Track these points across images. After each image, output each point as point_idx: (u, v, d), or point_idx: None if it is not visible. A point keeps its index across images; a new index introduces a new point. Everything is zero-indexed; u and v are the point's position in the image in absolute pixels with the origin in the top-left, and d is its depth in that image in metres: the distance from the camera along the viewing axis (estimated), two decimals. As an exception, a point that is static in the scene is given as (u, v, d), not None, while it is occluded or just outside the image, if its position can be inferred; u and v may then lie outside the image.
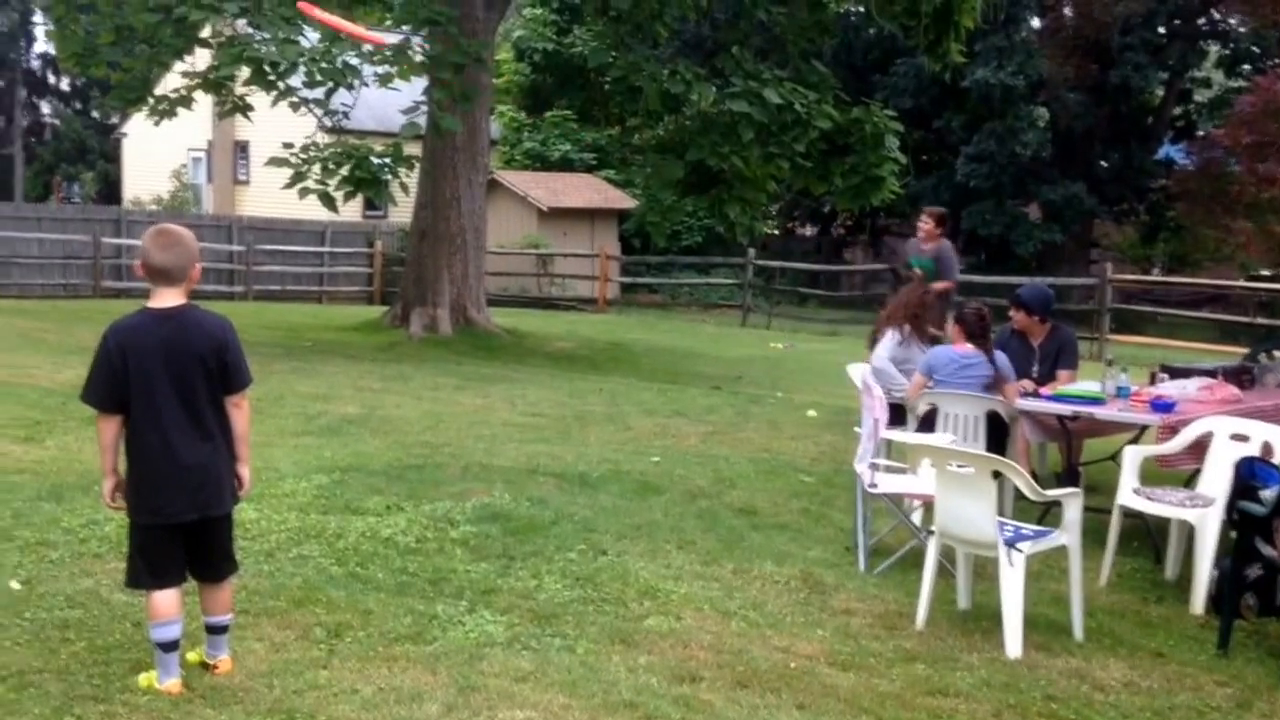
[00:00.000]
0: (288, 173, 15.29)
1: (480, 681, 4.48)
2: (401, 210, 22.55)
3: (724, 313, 26.49)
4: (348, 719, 4.13)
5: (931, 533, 5.62)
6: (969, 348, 7.24)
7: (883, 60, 32.19)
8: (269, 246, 26.96)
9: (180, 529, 4.27)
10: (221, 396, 4.33)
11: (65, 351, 13.29)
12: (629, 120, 28.80)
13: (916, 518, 6.61)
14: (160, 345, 4.18)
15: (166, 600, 4.26)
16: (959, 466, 5.51)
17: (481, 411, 10.73)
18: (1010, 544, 5.27)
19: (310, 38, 14.66)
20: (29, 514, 6.45)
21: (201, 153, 35.10)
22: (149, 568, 4.26)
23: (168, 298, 4.24)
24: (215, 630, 4.44)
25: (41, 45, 52.45)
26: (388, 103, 18.69)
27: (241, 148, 33.97)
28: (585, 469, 8.14)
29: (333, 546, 6.09)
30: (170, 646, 4.26)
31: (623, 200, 30.06)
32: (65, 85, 52.87)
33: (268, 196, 30.41)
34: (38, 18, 50.11)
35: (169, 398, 4.19)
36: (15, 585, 5.30)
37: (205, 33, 15.89)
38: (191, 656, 4.46)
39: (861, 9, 18.92)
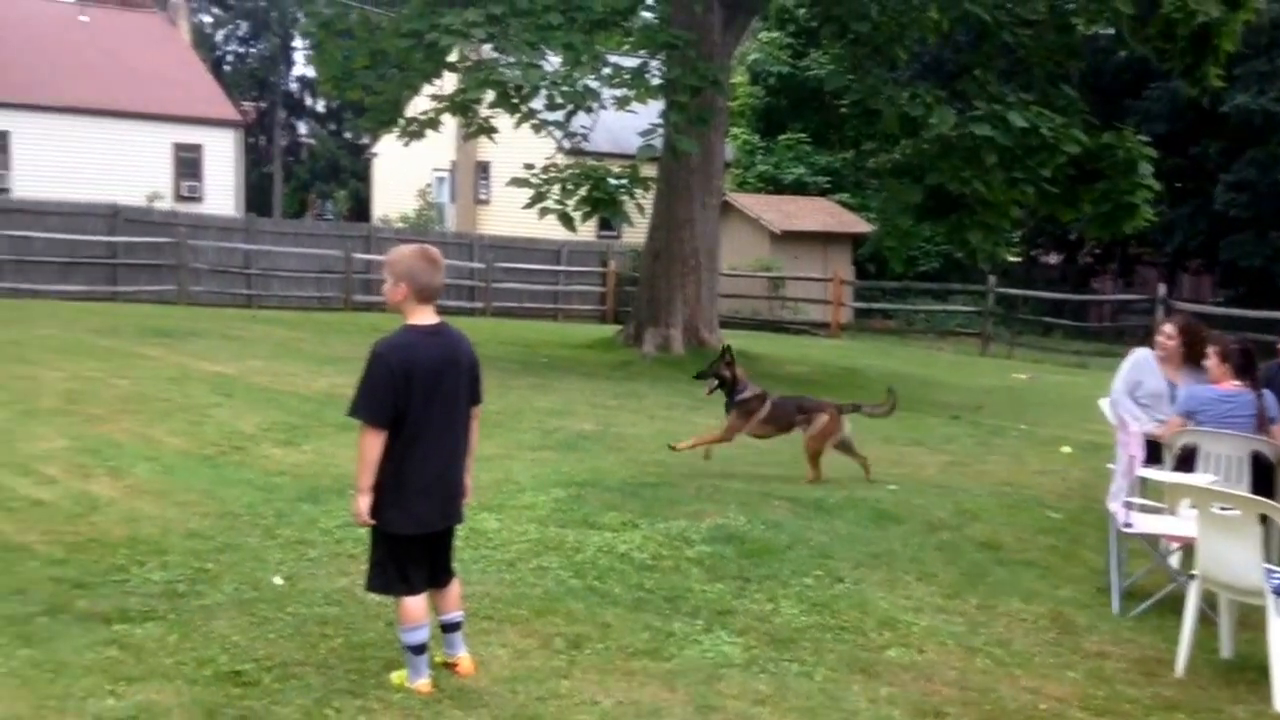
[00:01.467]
0: (528, 192, 15.75)
1: (718, 702, 4.46)
2: (634, 231, 22.91)
3: (961, 340, 25.79)
4: (588, 729, 4.18)
5: (1192, 577, 5.29)
6: (1233, 385, 6.79)
7: (1134, 84, 30.74)
8: (507, 264, 27.84)
9: (428, 537, 4.41)
10: (470, 409, 4.47)
11: (320, 361, 14.03)
12: (864, 143, 28.42)
13: (1174, 560, 6.24)
14: (435, 362, 4.34)
15: (417, 605, 4.41)
16: (1223, 509, 5.19)
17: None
18: (1278, 592, 4.91)
19: (553, 61, 15.09)
20: (289, 514, 6.81)
21: (445, 172, 36.60)
22: (401, 575, 4.40)
23: (430, 315, 4.40)
24: (451, 627, 4.58)
25: (300, 69, 55.96)
26: (625, 125, 19.05)
27: (483, 168, 35.25)
28: (820, 494, 8.03)
29: (571, 559, 6.19)
30: (420, 649, 4.41)
31: (857, 224, 29.70)
32: (321, 107, 56.18)
33: (507, 215, 31.44)
34: (297, 43, 53.44)
35: (438, 412, 4.34)
36: (278, 581, 5.59)
37: (453, 57, 16.53)
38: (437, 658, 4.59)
39: (1112, 31, 18.09)
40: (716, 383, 8.61)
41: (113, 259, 23.94)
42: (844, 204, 31.12)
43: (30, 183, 30.64)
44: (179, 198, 34.65)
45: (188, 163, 36.06)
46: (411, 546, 4.40)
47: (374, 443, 4.28)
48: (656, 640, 5.07)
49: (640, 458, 9.12)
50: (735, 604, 5.63)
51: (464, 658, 4.60)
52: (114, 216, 24.14)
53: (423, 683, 4.40)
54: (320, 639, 4.90)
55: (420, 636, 4.40)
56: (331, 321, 21.06)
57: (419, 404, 4.28)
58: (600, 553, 6.33)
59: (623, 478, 8.25)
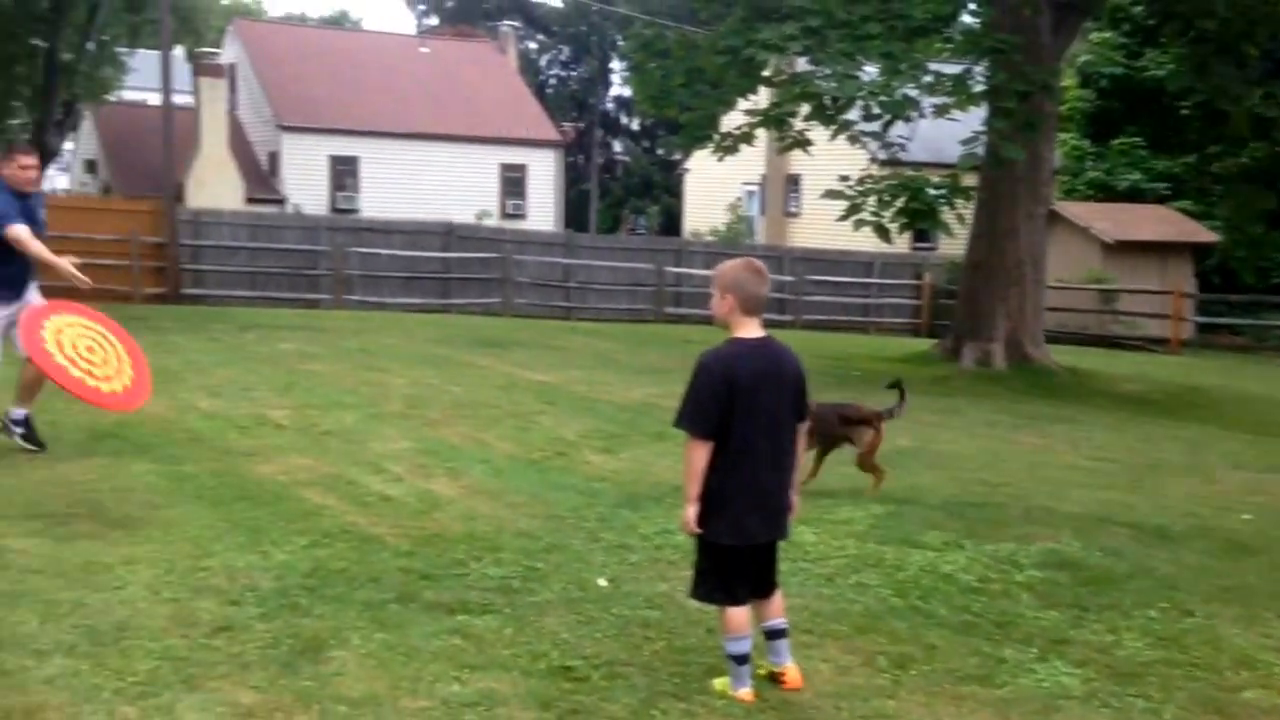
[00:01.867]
0: (841, 205, 15.62)
1: (1056, 735, 4.25)
2: (951, 243, 22.31)
3: (1326, 360, 23.68)
4: (919, 752, 4.06)
5: None
6: None
7: None
8: (817, 277, 27.73)
9: (752, 550, 4.42)
10: (795, 424, 4.45)
11: (635, 371, 14.42)
12: (1209, 147, 26.57)
13: None
14: (759, 375, 4.34)
15: (739, 616, 4.41)
16: None
17: (1041, 452, 10.30)
18: None
19: (869, 71, 14.91)
20: (610, 519, 7.00)
21: (755, 186, 36.88)
22: (723, 586, 4.41)
23: (755, 328, 4.41)
24: (776, 634, 4.53)
25: (617, 89, 57.86)
26: (942, 134, 18.57)
27: (793, 181, 35.30)
28: (1164, 521, 7.52)
29: (892, 577, 6.06)
30: (743, 659, 4.41)
31: (1199, 233, 27.77)
32: (636, 126, 57.88)
33: (817, 228, 31.35)
34: (615, 64, 55.28)
35: (762, 425, 4.33)
36: (602, 583, 5.75)
37: (768, 71, 16.63)
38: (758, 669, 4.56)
39: None
40: None
41: (446, 273, 25.50)
42: (1185, 211, 29.14)
43: (376, 203, 33.15)
44: (505, 215, 36.58)
45: (513, 182, 38.01)
46: (734, 558, 4.41)
47: (699, 454, 4.30)
48: (986, 666, 4.88)
49: (962, 476, 8.83)
50: (1072, 634, 5.33)
51: (790, 668, 4.56)
52: (448, 234, 25.74)
53: (745, 691, 4.41)
54: (643, 641, 4.99)
55: (742, 647, 4.41)
56: (644, 333, 21.61)
57: (743, 416, 4.29)
58: (922, 572, 6.16)
59: (944, 496, 8.01)
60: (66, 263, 7.75)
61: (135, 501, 6.68)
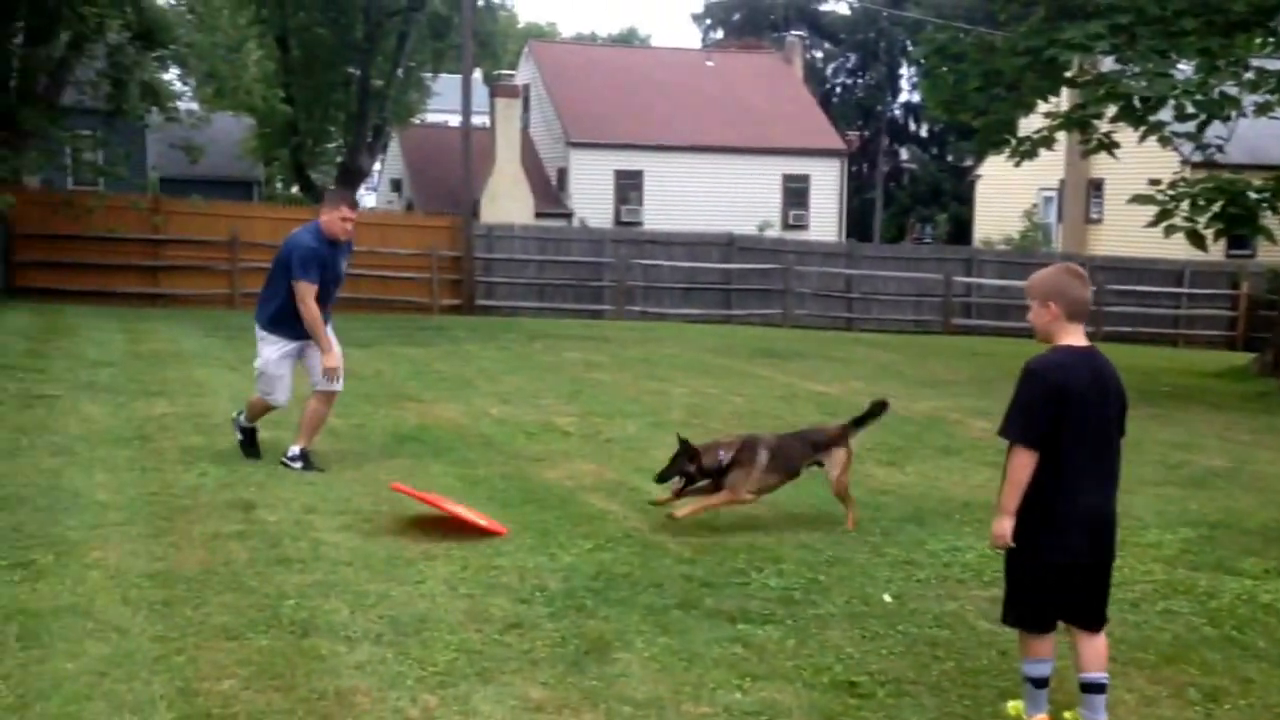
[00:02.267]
0: (1148, 210, 14.74)
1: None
2: (1271, 249, 20.65)
3: None
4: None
5: None
6: None
7: None
8: (1121, 286, 26.25)
9: (1072, 572, 4.14)
10: (1119, 438, 4.20)
11: (920, 384, 14.05)
12: None
13: None
14: (1088, 386, 4.12)
15: (1043, 640, 4.19)
16: None
17: (1376, 474, 9.37)
18: None
19: (1182, 69, 14.02)
20: (895, 533, 6.84)
21: (1053, 192, 35.34)
22: (1033, 610, 4.18)
23: (1080, 336, 4.20)
24: (1093, 688, 4.15)
25: (905, 95, 56.82)
26: (1263, 134, 17.28)
27: (1095, 186, 33.64)
28: None
29: (1204, 605, 5.65)
30: (1041, 683, 4.19)
31: None
32: (924, 132, 56.64)
33: (1120, 235, 29.69)
34: (904, 70, 54.31)
35: (1091, 438, 4.11)
36: (888, 598, 5.62)
37: (1070, 72, 15.91)
38: (1068, 716, 4.25)
39: None
40: (683, 481, 6.82)
41: (727, 284, 25.69)
42: None
43: (658, 216, 33.80)
44: (786, 226, 36.53)
45: (795, 192, 37.92)
46: (1055, 578, 4.13)
47: (1024, 463, 4.08)
48: (1319, 704, 4.47)
49: (1284, 500, 8.15)
50: None
51: None
52: (729, 245, 25.92)
53: (1041, 717, 4.19)
54: (932, 660, 4.85)
55: (1041, 670, 4.19)
56: (930, 345, 21.07)
57: (1072, 428, 4.06)
58: (1239, 601, 5.71)
59: (1263, 520, 7.41)
60: (331, 348, 7.63)
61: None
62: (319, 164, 39.20)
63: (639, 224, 34.24)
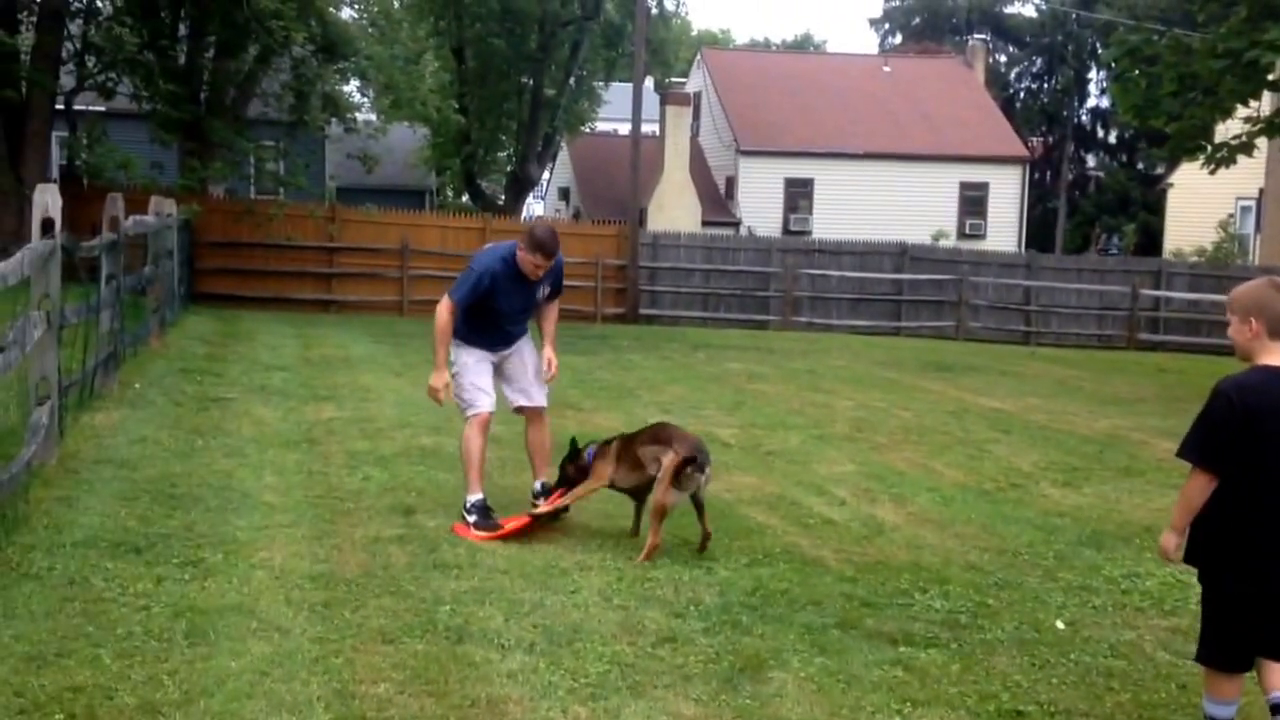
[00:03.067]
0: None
1: None
2: None
3: None
4: None
5: None
6: None
7: None
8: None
9: (1261, 603, 3.88)
10: None
11: (1102, 401, 13.49)
12: None
13: None
14: None
15: (1230, 680, 3.94)
16: None
17: None
18: None
19: None
20: (1070, 557, 6.56)
21: (1251, 201, 33.58)
22: (1220, 645, 3.95)
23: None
24: None
25: (1093, 100, 54.86)
26: None
27: (1295, 195, 31.82)
28: None
29: None
30: None
31: None
32: (1112, 139, 54.56)
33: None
34: (1092, 74, 52.43)
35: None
36: (1060, 625, 5.38)
37: (1273, 75, 15.08)
38: None
39: None
40: (563, 485, 6.63)
41: (898, 295, 25.21)
42: None
43: (828, 224, 33.41)
44: (962, 235, 35.66)
45: (972, 200, 37.02)
46: (1245, 610, 3.89)
47: (1200, 486, 3.88)
48: None
49: None
50: None
51: None
52: (901, 255, 25.43)
53: None
54: (1105, 691, 4.62)
55: (1224, 713, 3.92)
56: (1113, 361, 20.27)
57: (1267, 454, 3.81)
58: None
59: None
60: (441, 382, 6.68)
61: (590, 511, 7.01)
62: (489, 173, 40.08)
63: (808, 233, 33.91)
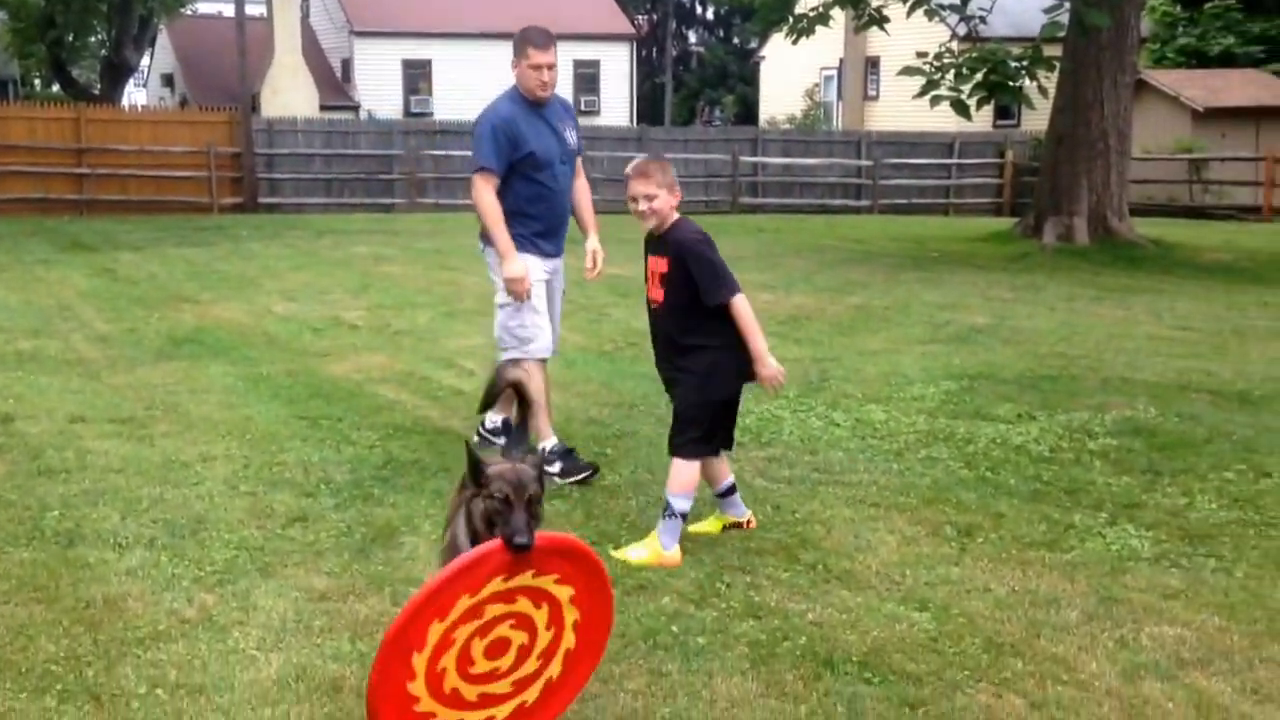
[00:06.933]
0: (919, 85, 15.21)
1: (1122, 594, 4.21)
2: (1035, 118, 21.67)
3: None
4: (980, 614, 4.05)
5: None
6: None
7: None
8: (896, 160, 27.14)
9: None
10: None
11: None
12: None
13: None
14: None
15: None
16: None
17: (1122, 324, 10.08)
18: None
19: None
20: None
21: (833, 71, 36.06)
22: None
23: None
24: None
25: (691, -22, 56.59)
26: (1025, 7, 17.96)
27: (872, 64, 34.44)
28: (1245, 386, 7.37)
29: (962, 450, 6.02)
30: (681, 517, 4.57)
31: (1297, 96, 26.62)
32: (710, 15, 56.73)
33: (896, 111, 30.61)
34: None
35: None
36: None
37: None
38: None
39: None
40: None
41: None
42: (1281, 74, 27.90)
43: (450, 106, 32.99)
44: (579, 112, 36.22)
45: (586, 78, 37.58)
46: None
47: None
48: (1054, 532, 4.84)
49: (1038, 350, 8.69)
50: (1144, 498, 5.26)
51: None
52: (520, 132, 25.52)
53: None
54: (711, 515, 5.02)
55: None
56: (720, 224, 21.29)
57: None
58: (993, 444, 6.11)
59: (1019, 370, 7.89)
60: (511, 253, 5.42)
61: (213, 402, 6.83)
62: (81, 59, 36.76)
63: (429, 115, 33.41)
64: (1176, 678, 3.59)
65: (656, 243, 4.78)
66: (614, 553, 4.50)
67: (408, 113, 34.17)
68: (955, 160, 27.80)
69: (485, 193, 5.50)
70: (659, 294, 4.74)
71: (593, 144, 25.89)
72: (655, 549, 4.51)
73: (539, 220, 5.59)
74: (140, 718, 3.31)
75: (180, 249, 15.09)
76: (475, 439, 5.66)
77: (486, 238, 5.63)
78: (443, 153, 24.60)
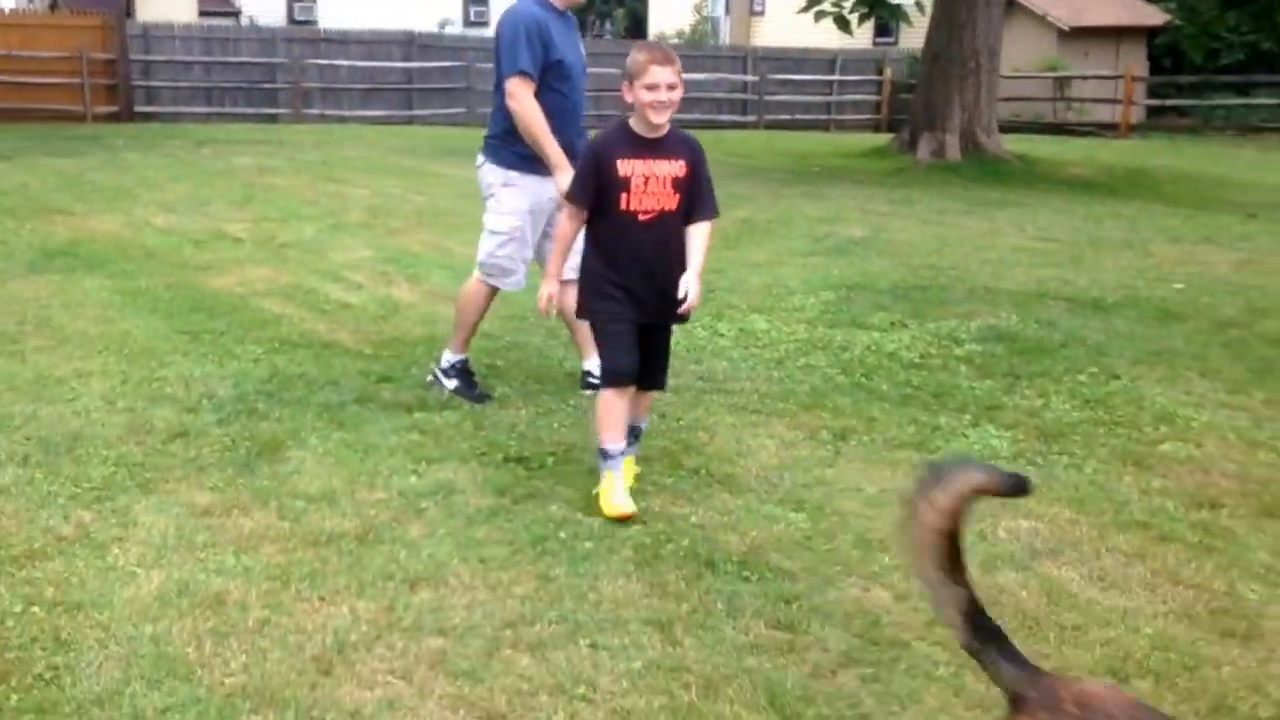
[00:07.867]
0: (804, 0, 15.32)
1: (984, 490, 4.46)
2: (913, 35, 21.95)
3: (1266, 138, 23.76)
4: (852, 513, 4.27)
5: None
6: None
7: None
8: (780, 76, 27.29)
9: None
10: None
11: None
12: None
13: None
14: None
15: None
16: None
17: (988, 236, 10.46)
18: None
19: None
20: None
21: (721, -15, 35.92)
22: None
23: None
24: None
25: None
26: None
27: (758, -22, 34.41)
28: (1099, 294, 7.76)
29: (838, 358, 6.25)
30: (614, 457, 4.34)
31: (1154, 16, 27.37)
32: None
33: (781, 27, 30.65)
34: None
35: None
36: (566, 371, 5.87)
37: None
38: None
39: None
40: None
41: (409, 84, 24.98)
42: (1141, -7, 28.65)
43: (335, 14, 32.05)
44: (468, 23, 35.55)
45: (474, -12, 36.81)
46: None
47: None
48: (922, 434, 5.10)
49: (911, 261, 8.98)
50: (1004, 400, 5.56)
51: None
52: (409, 44, 25.09)
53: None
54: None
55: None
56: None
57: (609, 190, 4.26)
58: (868, 351, 6.35)
59: (893, 281, 8.17)
60: (564, 165, 5.09)
61: (88, 317, 6.71)
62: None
63: (314, 23, 32.45)
64: (1030, 568, 3.84)
65: (655, 145, 4.25)
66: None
67: (291, 20, 33.15)
68: (837, 76, 28.05)
69: (527, 98, 5.10)
70: (672, 201, 4.24)
71: (484, 57, 25.51)
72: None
73: (562, 134, 5.19)
74: (16, 636, 3.26)
75: (52, 159, 14.59)
76: (429, 379, 5.64)
77: (492, 150, 5.36)
78: (328, 62, 24.04)
